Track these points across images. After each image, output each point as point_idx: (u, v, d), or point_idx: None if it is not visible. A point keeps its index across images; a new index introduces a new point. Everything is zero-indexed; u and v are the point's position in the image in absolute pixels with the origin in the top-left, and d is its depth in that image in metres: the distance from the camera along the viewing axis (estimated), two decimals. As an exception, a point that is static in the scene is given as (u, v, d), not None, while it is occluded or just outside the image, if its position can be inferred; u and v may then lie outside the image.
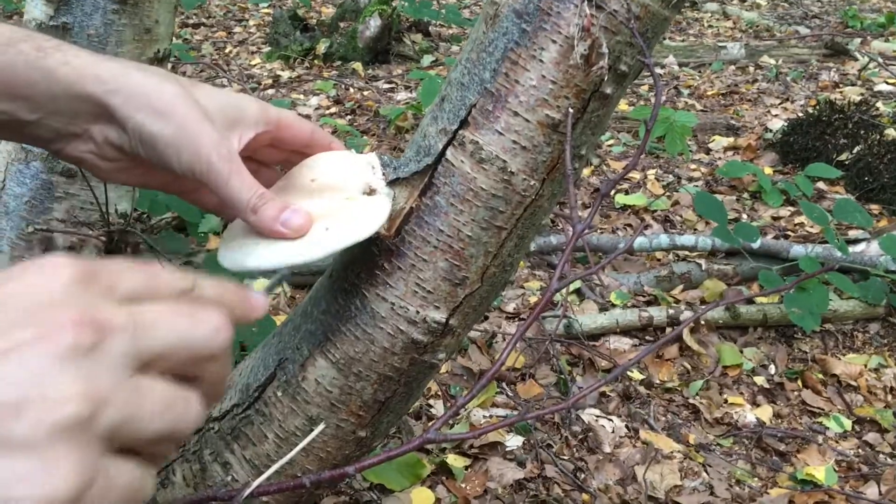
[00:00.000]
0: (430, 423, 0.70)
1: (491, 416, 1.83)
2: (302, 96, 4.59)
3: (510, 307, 2.37)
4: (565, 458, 1.78)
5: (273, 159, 0.85)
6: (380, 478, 1.53)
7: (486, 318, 2.31)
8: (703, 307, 2.37)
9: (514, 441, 1.78)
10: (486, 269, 0.86)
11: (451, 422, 1.81)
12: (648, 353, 0.74)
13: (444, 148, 0.83)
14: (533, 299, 2.43)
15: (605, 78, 0.80)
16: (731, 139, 4.09)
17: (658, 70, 5.51)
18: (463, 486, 1.61)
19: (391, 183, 0.84)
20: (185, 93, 0.70)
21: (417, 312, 0.86)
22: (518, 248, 0.88)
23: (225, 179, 0.71)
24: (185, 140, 0.69)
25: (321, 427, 0.90)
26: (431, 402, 1.87)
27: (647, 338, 2.33)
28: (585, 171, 3.71)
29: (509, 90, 0.80)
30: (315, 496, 1.09)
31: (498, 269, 0.88)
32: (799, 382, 2.20)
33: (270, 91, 4.66)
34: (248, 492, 0.72)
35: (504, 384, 2.01)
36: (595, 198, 3.46)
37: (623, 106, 4.62)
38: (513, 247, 0.87)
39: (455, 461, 1.66)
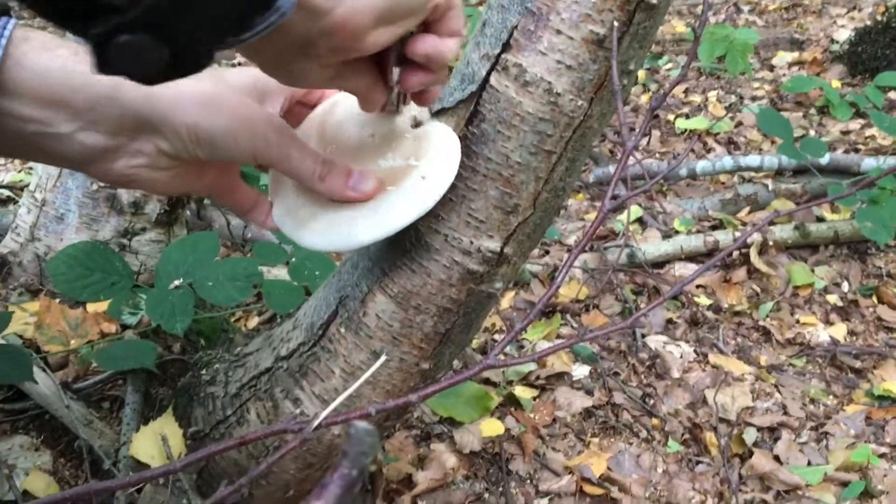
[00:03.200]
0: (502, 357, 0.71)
1: (559, 351, 1.83)
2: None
3: (571, 240, 2.35)
4: (633, 385, 1.78)
5: (300, 115, 0.85)
6: (449, 411, 1.55)
7: (548, 252, 2.30)
8: (761, 222, 2.31)
9: (580, 371, 1.78)
10: (537, 194, 0.86)
11: (516, 354, 1.82)
12: (706, 269, 0.73)
13: (488, 74, 0.81)
14: (594, 230, 2.40)
15: (650, -13, 0.77)
16: (796, 54, 3.93)
17: (716, -13, 5.29)
18: (531, 415, 1.62)
19: (437, 113, 0.84)
20: (221, 81, 0.70)
21: (471, 242, 0.86)
22: (569, 171, 0.87)
23: (287, 153, 0.71)
24: (239, 125, 0.68)
25: (383, 358, 0.92)
26: (497, 336, 1.89)
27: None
28: (644, 97, 3.62)
29: (550, 7, 0.78)
30: (385, 428, 1.12)
31: (550, 194, 0.87)
32: (874, 298, 2.14)
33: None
34: (316, 423, 0.74)
35: (568, 315, 2.01)
36: (655, 124, 3.38)
37: (680, 28, 4.47)
38: (564, 171, 0.86)
39: (522, 392, 1.67)
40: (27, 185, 1.73)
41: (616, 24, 0.77)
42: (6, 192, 2.44)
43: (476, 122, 0.83)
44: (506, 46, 0.80)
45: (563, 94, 0.80)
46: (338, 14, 0.56)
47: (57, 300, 1.43)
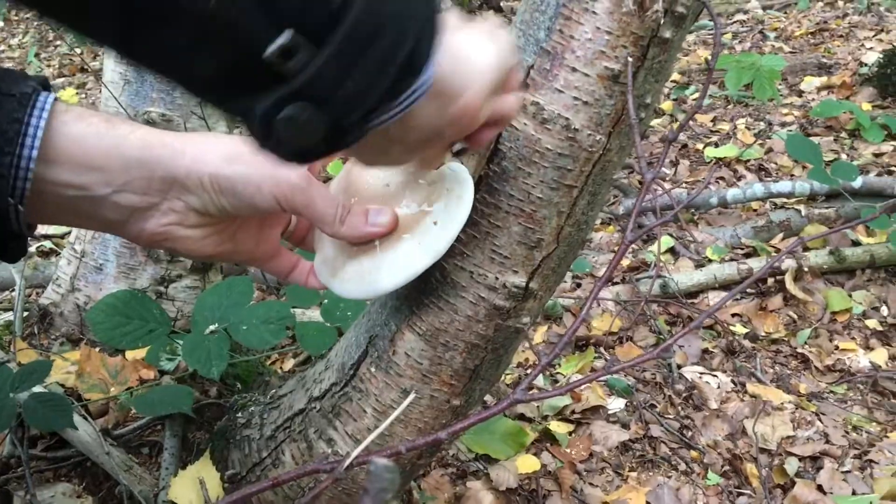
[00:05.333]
0: (529, 390, 0.71)
1: (591, 382, 1.82)
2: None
3: (601, 272, 2.34)
4: (670, 417, 1.76)
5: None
6: (485, 448, 1.55)
7: (579, 285, 2.30)
8: (787, 246, 2.29)
9: (616, 404, 1.77)
10: (560, 229, 0.87)
11: (550, 388, 1.81)
12: (733, 295, 0.73)
13: (507, 112, 0.83)
14: (625, 262, 2.40)
15: (662, 22, 0.78)
16: (824, 78, 3.91)
17: (741, 16, 5.31)
18: (567, 450, 1.61)
19: (458, 153, 0.86)
20: (241, 142, 0.72)
21: (496, 278, 0.87)
22: (591, 205, 0.88)
23: (311, 197, 0.73)
24: (261, 172, 0.70)
25: (412, 396, 0.92)
26: (530, 371, 1.88)
27: (748, 290, 2.27)
28: (674, 128, 3.62)
29: (565, 46, 0.80)
30: (419, 466, 1.12)
31: (573, 228, 0.88)
32: (915, 322, 2.10)
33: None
34: (348, 462, 0.75)
35: (602, 349, 2.00)
36: (683, 154, 3.38)
37: (706, 56, 4.47)
38: (585, 205, 0.87)
39: (558, 427, 1.66)
40: (67, 237, 1.78)
41: (630, 59, 0.79)
42: (48, 245, 2.50)
43: (497, 160, 0.84)
44: (523, 85, 0.82)
45: (581, 129, 0.81)
46: (466, 99, 0.60)
47: (97, 349, 1.46)
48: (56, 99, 0.64)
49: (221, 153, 0.70)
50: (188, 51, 0.44)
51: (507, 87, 0.68)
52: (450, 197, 0.78)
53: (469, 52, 0.61)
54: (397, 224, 0.79)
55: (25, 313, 1.67)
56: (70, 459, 1.26)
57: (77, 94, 4.66)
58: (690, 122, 3.65)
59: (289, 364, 1.80)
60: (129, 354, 1.44)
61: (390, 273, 0.77)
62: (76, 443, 1.24)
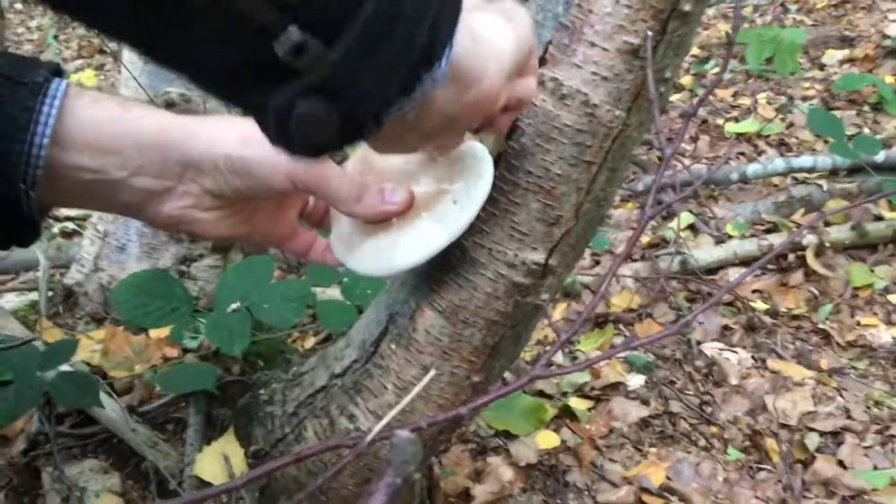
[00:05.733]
0: (549, 367, 0.71)
1: (610, 359, 1.82)
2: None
3: (620, 249, 2.34)
4: (690, 393, 1.76)
5: None
6: (505, 424, 1.56)
7: (598, 262, 2.29)
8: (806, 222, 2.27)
9: (635, 380, 1.77)
10: (579, 205, 0.87)
11: (569, 365, 1.82)
12: (753, 271, 0.73)
13: (525, 89, 0.83)
14: (644, 239, 2.39)
15: (682, -5, 0.78)
16: (846, 51, 3.85)
17: (761, -12, 5.22)
18: (587, 426, 1.62)
19: (475, 131, 0.85)
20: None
21: (515, 255, 0.88)
22: (610, 181, 0.88)
23: (325, 177, 0.73)
24: (275, 153, 0.71)
25: (432, 373, 0.93)
26: (549, 348, 1.89)
27: (768, 266, 2.26)
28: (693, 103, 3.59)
29: (583, 21, 0.79)
30: (440, 442, 1.13)
31: (592, 204, 0.88)
32: (938, 297, 2.09)
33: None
34: (370, 438, 0.76)
35: (621, 325, 2.00)
36: (704, 129, 3.35)
37: (726, 28, 4.42)
38: (605, 181, 0.87)
39: (577, 404, 1.67)
40: (90, 218, 1.80)
41: (650, 33, 0.78)
42: (71, 226, 2.53)
43: (516, 136, 0.84)
44: (541, 61, 0.82)
45: (600, 105, 0.81)
46: (485, 84, 0.58)
47: (121, 328, 1.48)
48: (69, 84, 0.64)
49: (236, 135, 0.70)
50: (198, 44, 0.44)
51: (526, 69, 0.66)
52: (470, 176, 0.78)
53: (488, 34, 0.59)
54: (413, 202, 0.79)
55: (50, 293, 1.70)
56: (97, 436, 1.28)
57: (96, 75, 4.69)
58: (710, 97, 3.62)
59: (310, 342, 1.82)
60: (153, 333, 1.46)
61: (408, 251, 0.77)
62: (102, 420, 1.26)
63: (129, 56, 1.58)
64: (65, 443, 1.27)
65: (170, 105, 1.46)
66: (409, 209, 0.79)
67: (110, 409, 1.25)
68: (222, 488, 0.83)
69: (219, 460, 1.15)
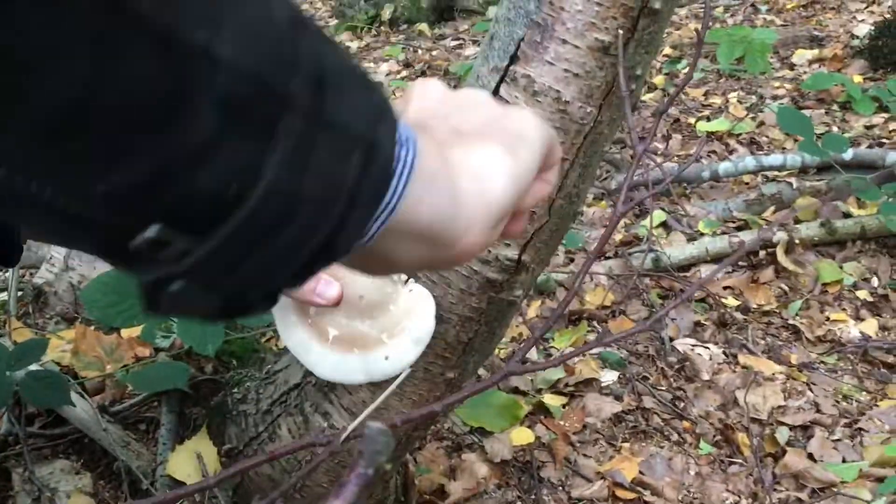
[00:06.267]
0: (524, 362, 0.71)
1: (584, 355, 1.83)
2: (372, 64, 4.62)
3: (595, 247, 2.35)
4: (662, 388, 1.78)
5: None
6: (479, 421, 1.56)
7: (572, 260, 2.30)
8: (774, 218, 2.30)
9: (609, 376, 1.78)
10: (552, 202, 0.87)
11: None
12: (723, 268, 0.74)
13: (498, 86, 0.83)
14: (618, 237, 2.41)
15: (652, -6, 0.78)
16: (816, 51, 3.90)
17: (732, -12, 5.27)
18: (561, 423, 1.63)
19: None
20: None
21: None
22: (583, 177, 0.89)
23: None
24: None
25: (407, 370, 0.93)
26: (524, 345, 1.89)
27: (740, 263, 2.29)
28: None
29: (555, 18, 0.80)
30: (414, 439, 1.13)
31: (564, 200, 0.89)
32: (905, 293, 2.12)
33: (340, 62, 4.71)
34: (344, 436, 0.76)
35: (595, 323, 2.02)
36: (676, 128, 3.38)
37: (698, 27, 4.46)
38: (577, 177, 0.88)
39: (552, 400, 1.68)
40: (59, 217, 1.78)
41: (621, 31, 0.79)
42: (40, 225, 2.49)
43: (488, 133, 0.85)
44: (514, 58, 0.82)
45: (572, 101, 0.82)
46: (465, 244, 0.46)
47: (92, 327, 1.46)
48: None
49: None
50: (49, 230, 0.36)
51: (545, 166, 0.53)
52: (409, 337, 0.88)
53: (474, 187, 0.45)
54: (340, 302, 0.87)
55: (20, 293, 1.67)
56: (68, 436, 1.27)
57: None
58: (682, 97, 3.65)
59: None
60: (125, 332, 1.44)
61: (328, 366, 0.89)
62: (73, 420, 1.25)
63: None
64: (35, 443, 1.25)
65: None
66: (336, 307, 0.88)
67: (81, 409, 1.24)
68: (195, 487, 0.83)
69: (192, 459, 1.14)
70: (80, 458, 1.25)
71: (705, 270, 2.24)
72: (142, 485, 1.16)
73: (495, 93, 0.83)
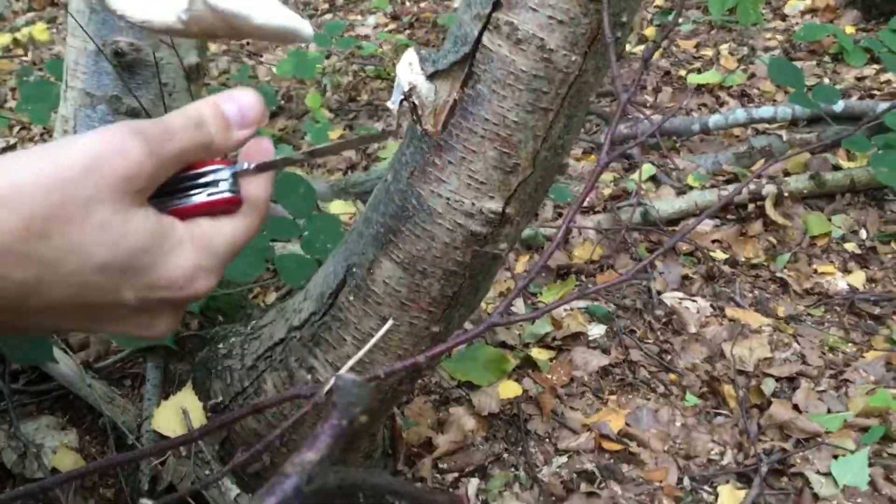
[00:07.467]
0: (509, 314, 0.71)
1: (572, 310, 1.84)
2: (359, 17, 4.54)
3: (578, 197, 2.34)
4: (650, 341, 1.78)
5: None
6: (467, 375, 1.57)
7: (561, 214, 2.30)
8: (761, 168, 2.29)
9: (596, 330, 1.79)
10: (536, 153, 0.86)
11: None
12: (705, 217, 0.73)
13: (480, 34, 0.81)
14: (606, 191, 2.40)
15: (638, -63, 0.76)
16: (808, 1, 3.85)
17: (725, -62, 5.18)
18: (549, 376, 1.64)
19: (431, 77, 0.84)
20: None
21: (473, 204, 0.87)
22: (567, 129, 0.87)
23: None
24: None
25: (390, 323, 0.93)
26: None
27: (728, 216, 2.28)
28: (655, 55, 3.58)
29: (539, -37, 0.77)
30: (400, 393, 1.13)
31: (549, 152, 0.87)
32: (893, 245, 2.12)
33: (328, 16, 4.63)
34: (326, 388, 0.75)
35: (583, 277, 2.02)
36: (666, 81, 3.35)
37: (689, -19, 4.40)
38: (562, 128, 0.86)
39: (539, 354, 1.68)
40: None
41: (606, -24, 0.77)
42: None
43: (471, 83, 0.83)
44: (496, 5, 0.80)
45: (557, 49, 0.80)
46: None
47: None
48: None
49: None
50: None
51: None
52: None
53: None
54: None
55: None
56: (52, 393, 1.27)
57: (48, 27, 4.54)
58: (673, 49, 3.61)
59: (271, 297, 1.80)
60: (109, 289, 1.43)
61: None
62: (58, 377, 1.25)
63: (76, 4, 1.52)
64: (20, 399, 1.25)
65: (119, 54, 1.42)
66: None
67: (65, 366, 1.23)
68: (181, 440, 0.83)
69: (177, 414, 1.14)
70: (65, 414, 1.25)
71: (694, 223, 2.23)
72: (127, 440, 1.16)
73: (478, 41, 0.81)
